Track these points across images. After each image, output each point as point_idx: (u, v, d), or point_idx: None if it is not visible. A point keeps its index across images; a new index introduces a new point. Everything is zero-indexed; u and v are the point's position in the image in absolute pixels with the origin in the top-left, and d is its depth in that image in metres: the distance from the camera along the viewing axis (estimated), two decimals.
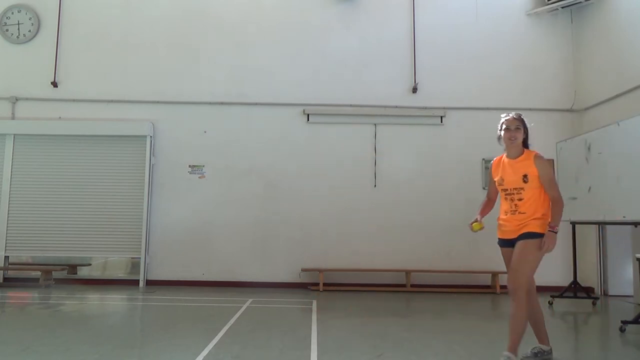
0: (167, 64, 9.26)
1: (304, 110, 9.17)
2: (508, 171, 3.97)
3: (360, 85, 9.20)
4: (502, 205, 4.06)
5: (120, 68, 9.28)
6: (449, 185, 8.97)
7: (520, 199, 3.88)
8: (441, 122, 9.14)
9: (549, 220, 3.82)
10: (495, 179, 4.07)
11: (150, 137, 9.04)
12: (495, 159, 4.17)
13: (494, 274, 8.47)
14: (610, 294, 8.32)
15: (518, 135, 3.92)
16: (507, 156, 4.03)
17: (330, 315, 6.18)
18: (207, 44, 9.32)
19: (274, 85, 9.22)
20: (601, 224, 7.95)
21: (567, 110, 9.17)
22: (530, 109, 8.99)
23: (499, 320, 6.22)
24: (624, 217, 6.17)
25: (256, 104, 9.19)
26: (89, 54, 9.31)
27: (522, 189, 3.87)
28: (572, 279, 7.69)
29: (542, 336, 4.13)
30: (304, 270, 8.70)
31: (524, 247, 3.79)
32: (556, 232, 3.76)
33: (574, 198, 7.30)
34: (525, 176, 3.86)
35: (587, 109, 8.93)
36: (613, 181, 6.39)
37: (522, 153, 3.96)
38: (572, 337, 5.62)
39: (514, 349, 3.71)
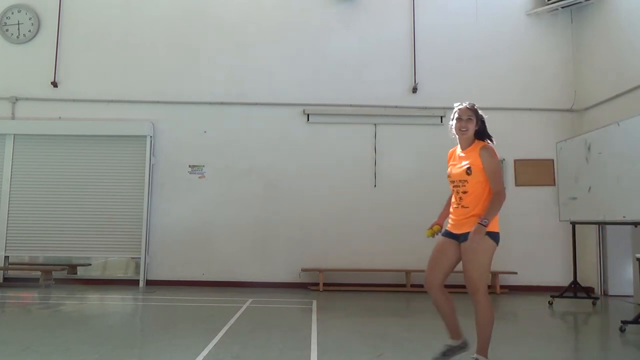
0: (167, 64, 9.26)
1: (304, 110, 9.17)
2: (456, 163, 3.86)
3: (360, 85, 9.20)
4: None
5: (120, 68, 9.28)
6: (449, 185, 8.94)
7: (464, 192, 3.75)
8: (441, 122, 9.12)
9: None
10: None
11: (150, 137, 9.03)
12: (450, 150, 4.04)
13: (494, 274, 8.46)
14: (610, 294, 8.33)
15: (469, 126, 3.74)
16: (460, 147, 3.90)
17: (330, 315, 6.18)
18: (207, 44, 9.32)
19: (274, 85, 9.22)
20: (601, 224, 7.95)
21: (567, 110, 9.17)
22: (530, 109, 9.04)
23: (498, 321, 6.17)
24: (624, 217, 6.17)
25: (256, 104, 9.20)
26: (89, 54, 9.31)
27: (466, 181, 3.73)
28: (572, 279, 7.68)
29: (453, 329, 4.00)
30: (304, 270, 8.71)
31: (469, 249, 3.67)
32: (485, 226, 3.52)
33: (574, 198, 7.30)
34: (468, 168, 3.71)
35: (587, 109, 8.93)
36: (613, 181, 6.38)
37: (472, 144, 3.79)
38: (572, 337, 5.62)
39: (483, 352, 3.65)
